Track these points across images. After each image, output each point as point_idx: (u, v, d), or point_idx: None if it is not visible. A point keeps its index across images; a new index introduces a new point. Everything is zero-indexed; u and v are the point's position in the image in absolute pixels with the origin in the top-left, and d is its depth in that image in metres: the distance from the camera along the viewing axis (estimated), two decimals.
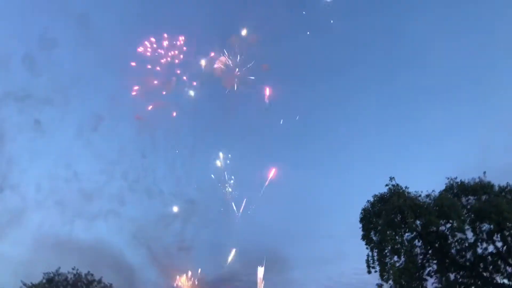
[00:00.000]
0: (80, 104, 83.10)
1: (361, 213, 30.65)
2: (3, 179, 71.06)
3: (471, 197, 30.18)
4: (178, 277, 69.76)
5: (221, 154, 73.31)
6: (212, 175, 74.33)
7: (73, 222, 74.37)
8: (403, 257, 28.66)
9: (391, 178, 30.42)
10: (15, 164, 73.52)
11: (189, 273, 69.63)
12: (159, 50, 69.95)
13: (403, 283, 27.92)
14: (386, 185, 30.39)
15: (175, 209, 77.09)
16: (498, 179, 30.40)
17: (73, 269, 48.28)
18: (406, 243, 29.13)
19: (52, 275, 47.43)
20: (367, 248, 29.75)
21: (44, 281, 46.87)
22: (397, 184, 30.35)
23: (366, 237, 29.82)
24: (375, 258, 29.06)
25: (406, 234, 29.67)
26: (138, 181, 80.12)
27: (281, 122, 75.47)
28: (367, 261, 29.29)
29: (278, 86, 69.39)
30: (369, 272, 29.07)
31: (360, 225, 30.36)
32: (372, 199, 30.84)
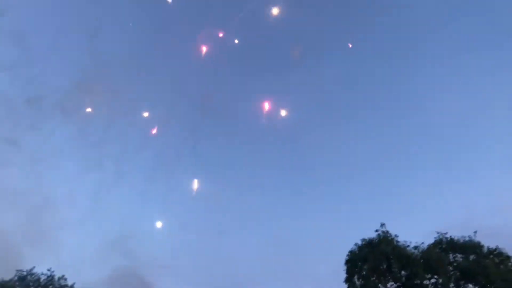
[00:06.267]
0: None
1: (348, 255, 30.29)
2: None
3: (459, 255, 29.94)
4: None
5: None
6: None
7: None
8: None
9: (382, 224, 30.35)
10: None
11: None
12: None
13: None
14: (376, 230, 30.25)
15: None
16: (481, 240, 30.38)
17: (48, 270, 47.06)
18: None
19: (25, 273, 46.28)
20: None
21: (15, 278, 45.67)
22: (387, 231, 30.21)
23: (349, 281, 29.39)
24: None
25: (390, 283, 29.24)
26: None
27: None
28: None
29: None
30: None
31: (345, 268, 29.93)
32: (360, 243, 30.53)
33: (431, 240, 30.74)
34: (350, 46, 61.89)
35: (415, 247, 29.89)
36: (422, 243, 30.16)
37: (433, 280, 28.68)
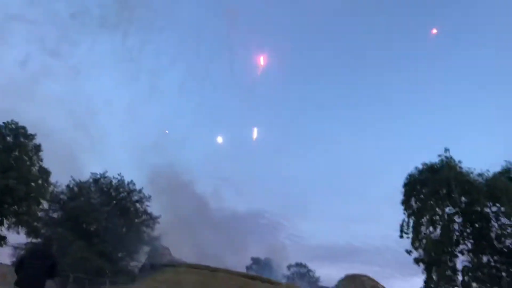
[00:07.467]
0: None
1: (407, 178, 29.99)
2: None
3: None
4: None
5: None
6: None
7: None
8: (440, 229, 28.22)
9: (446, 150, 29.36)
10: None
11: None
12: None
13: (433, 254, 27.68)
14: (439, 155, 29.39)
15: None
16: None
17: (118, 174, 50.94)
18: (446, 216, 28.53)
19: (98, 176, 50.54)
20: (404, 213, 29.52)
21: (90, 180, 50.07)
22: (451, 157, 29.29)
23: (406, 203, 29.42)
24: (411, 225, 28.84)
25: (448, 208, 28.94)
26: None
27: None
28: (402, 226, 29.13)
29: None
30: (401, 236, 28.99)
31: (403, 190, 29.83)
32: (421, 167, 29.98)
33: (497, 169, 29.54)
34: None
35: (479, 174, 28.88)
36: (487, 170, 29.08)
37: (494, 208, 28.01)
